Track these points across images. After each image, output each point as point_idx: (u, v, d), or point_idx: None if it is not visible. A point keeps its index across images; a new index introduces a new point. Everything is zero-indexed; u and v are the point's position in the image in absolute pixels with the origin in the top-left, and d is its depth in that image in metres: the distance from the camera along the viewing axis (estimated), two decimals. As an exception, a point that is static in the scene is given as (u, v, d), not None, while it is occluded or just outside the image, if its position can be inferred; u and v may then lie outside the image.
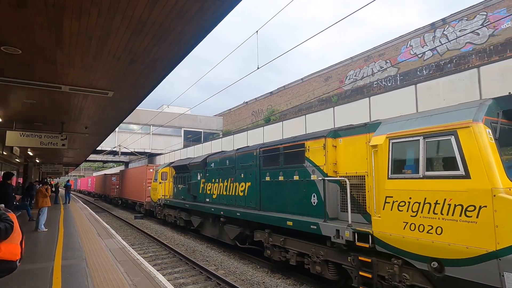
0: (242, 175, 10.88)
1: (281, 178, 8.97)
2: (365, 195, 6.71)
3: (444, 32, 18.69)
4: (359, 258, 6.17)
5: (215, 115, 46.05)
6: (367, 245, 5.89)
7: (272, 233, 8.87)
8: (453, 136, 4.84)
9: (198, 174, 14.30)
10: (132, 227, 18.59)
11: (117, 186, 33.23)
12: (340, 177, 7.28)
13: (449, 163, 4.85)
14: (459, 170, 4.69)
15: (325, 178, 7.19)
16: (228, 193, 11.74)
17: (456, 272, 4.61)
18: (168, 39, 4.96)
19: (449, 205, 4.69)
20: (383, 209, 5.61)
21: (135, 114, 33.43)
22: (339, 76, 27.57)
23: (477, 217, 4.38)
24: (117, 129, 29.78)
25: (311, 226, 7.20)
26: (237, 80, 13.28)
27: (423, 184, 5.07)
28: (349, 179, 6.91)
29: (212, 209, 12.04)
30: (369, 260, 5.97)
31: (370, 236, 5.86)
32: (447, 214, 4.70)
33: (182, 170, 16.31)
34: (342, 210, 7.24)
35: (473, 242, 4.40)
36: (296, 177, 8.39)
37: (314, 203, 7.75)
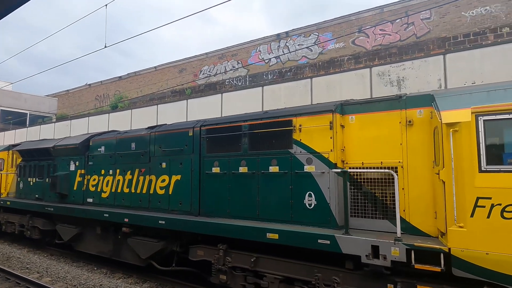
0: (164, 164, 7.49)
1: (243, 169, 6.24)
2: (393, 194, 4.85)
3: (286, 43, 21.20)
4: (418, 286, 4.25)
5: (47, 95, 37.36)
6: (438, 269, 4.03)
7: (230, 250, 6.06)
8: None
9: (72, 163, 9.69)
10: None
11: None
12: (354, 168, 5.21)
13: None
14: None
15: (348, 170, 4.98)
16: (134, 191, 8.04)
17: None
18: None
19: None
20: (472, 216, 3.85)
21: None
22: (194, 69, 27.03)
23: None
24: None
25: (320, 241, 4.87)
26: (79, 57, 9.89)
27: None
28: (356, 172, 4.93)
29: (106, 215, 8.06)
30: None
31: (441, 255, 4.02)
32: None
33: (37, 157, 11.01)
34: (354, 214, 5.20)
35: None
36: (273, 169, 5.86)
37: (309, 205, 5.44)
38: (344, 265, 4.93)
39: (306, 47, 19.90)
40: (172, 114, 16.21)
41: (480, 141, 3.92)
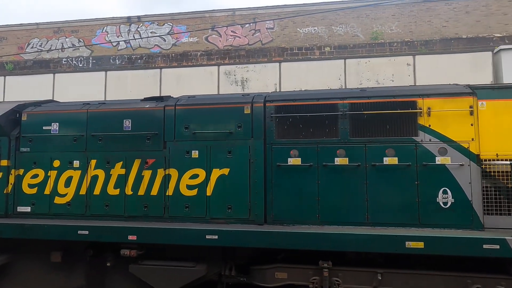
0: (196, 153, 5.18)
1: (341, 160, 4.82)
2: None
3: (138, 29, 20.07)
4: None
5: None
6: None
7: (337, 268, 4.53)
8: None
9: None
10: None
11: None
12: (486, 159, 4.63)
13: None
14: None
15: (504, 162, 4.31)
16: (131, 193, 5.30)
17: None
18: None
19: None
20: None
21: None
22: (19, 40, 22.68)
23: None
24: None
25: (486, 246, 4.08)
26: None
27: None
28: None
29: (83, 232, 5.01)
30: None
31: None
32: None
33: None
34: (486, 212, 4.63)
35: None
36: (391, 160, 4.70)
37: (445, 204, 4.55)
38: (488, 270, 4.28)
39: (159, 36, 19.44)
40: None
41: None
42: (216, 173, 5.09)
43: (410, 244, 4.23)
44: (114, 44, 20.04)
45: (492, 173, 4.65)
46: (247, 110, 5.11)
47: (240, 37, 17.37)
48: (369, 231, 4.49)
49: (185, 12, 19.27)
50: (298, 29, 16.78)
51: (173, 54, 17.10)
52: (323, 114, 4.92)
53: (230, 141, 5.10)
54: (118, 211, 5.32)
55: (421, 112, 4.70)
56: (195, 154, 5.18)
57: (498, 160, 4.60)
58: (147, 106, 5.48)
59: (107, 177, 5.39)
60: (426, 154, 4.64)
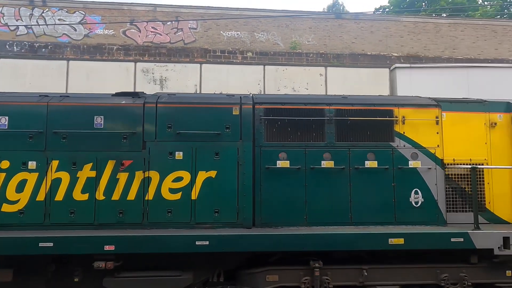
0: (180, 154, 4.89)
1: (327, 163, 5.03)
2: (481, 188, 5.37)
3: (43, 14, 17.90)
4: (540, 268, 4.84)
5: None
6: (556, 250, 4.78)
7: (327, 267, 4.69)
8: None
9: None
10: None
11: None
12: (450, 164, 5.32)
13: None
14: None
15: (477, 166, 4.97)
16: (103, 197, 4.75)
17: None
18: None
19: None
20: None
21: None
22: None
23: None
24: None
25: (453, 239, 4.67)
26: None
27: None
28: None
29: (46, 244, 4.28)
30: None
31: (557, 238, 4.80)
32: None
33: None
34: (448, 210, 5.31)
35: None
36: (371, 163, 5.08)
37: (416, 203, 5.08)
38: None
39: (69, 25, 17.50)
40: None
41: None
42: (202, 175, 4.87)
43: (393, 241, 4.62)
44: (12, 28, 17.38)
45: (451, 176, 5.34)
46: (236, 111, 5.00)
47: (161, 35, 16.67)
48: (354, 230, 4.77)
49: (101, 2, 17.81)
50: (221, 32, 16.88)
51: (85, 46, 15.93)
52: (311, 118, 5.08)
53: (218, 143, 4.93)
54: (86, 219, 4.72)
55: (397, 120, 5.18)
56: (179, 155, 4.88)
57: (455, 164, 5.31)
58: (123, 102, 4.98)
59: (73, 181, 4.74)
60: (401, 158, 5.12)
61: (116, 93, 5.30)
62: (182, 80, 11.86)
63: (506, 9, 26.03)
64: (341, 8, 33.67)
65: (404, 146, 5.16)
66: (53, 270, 4.52)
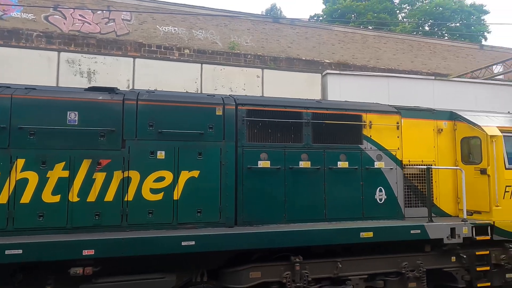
0: (162, 154, 4.78)
1: (304, 164, 5.34)
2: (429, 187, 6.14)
3: None
4: (477, 253, 5.67)
5: None
6: (487, 237, 5.68)
7: (306, 261, 4.95)
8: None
9: None
10: None
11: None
12: (408, 165, 5.99)
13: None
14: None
15: (431, 167, 5.65)
16: (78, 199, 4.44)
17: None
18: None
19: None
20: (503, 198, 5.83)
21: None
22: None
23: None
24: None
25: (412, 231, 5.29)
26: None
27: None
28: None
29: (13, 251, 3.89)
30: (487, 252, 5.73)
31: (489, 228, 5.71)
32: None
33: None
34: (406, 205, 5.98)
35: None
36: (343, 164, 5.51)
37: (380, 200, 5.63)
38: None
39: None
40: None
41: (504, 149, 5.98)
42: (185, 175, 4.82)
43: (364, 235, 5.07)
44: None
45: (407, 175, 6.01)
46: (219, 112, 5.04)
47: (90, 24, 15.48)
48: (330, 226, 5.13)
49: (17, -19, 15.81)
50: (158, 26, 16.27)
51: (-1, 31, 14.24)
52: (290, 120, 5.33)
53: (201, 142, 4.92)
54: (58, 222, 4.37)
55: (365, 124, 5.68)
56: (160, 154, 4.77)
57: (412, 165, 6.00)
58: (101, 97, 4.70)
59: (42, 181, 4.35)
60: (368, 159, 5.63)
61: (89, 87, 4.97)
62: (113, 74, 10.99)
63: (421, 26, 29.40)
64: (279, 12, 34.31)
65: (371, 148, 5.68)
66: (20, 280, 4.10)
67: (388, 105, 6.16)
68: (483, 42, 27.05)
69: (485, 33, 29.65)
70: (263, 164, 5.16)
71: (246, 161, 5.09)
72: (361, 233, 5.07)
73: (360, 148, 5.63)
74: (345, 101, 6.25)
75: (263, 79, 12.88)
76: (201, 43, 17.00)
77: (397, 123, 5.87)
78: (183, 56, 15.74)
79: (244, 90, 12.14)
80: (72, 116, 4.53)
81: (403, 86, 12.65)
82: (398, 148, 5.84)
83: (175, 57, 15.11)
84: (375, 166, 5.65)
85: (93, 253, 4.12)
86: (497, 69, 17.84)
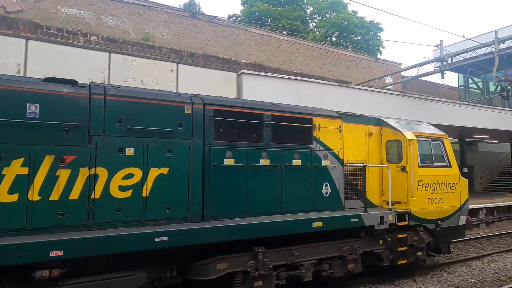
0: (131, 151, 4.73)
1: (264, 162, 5.82)
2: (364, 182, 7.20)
3: None
4: (398, 236, 6.83)
5: None
6: (406, 223, 6.91)
7: (268, 251, 5.39)
8: (441, 142, 7.89)
9: None
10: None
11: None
12: (345, 163, 6.91)
13: (440, 158, 7.83)
14: (445, 162, 7.85)
15: (366, 165, 6.58)
16: (39, 198, 4.15)
17: (444, 224, 7.65)
18: None
19: (447, 184, 7.70)
20: (417, 190, 7.16)
21: None
22: None
23: (455, 189, 7.86)
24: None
25: (352, 220, 6.19)
26: None
27: (435, 171, 7.55)
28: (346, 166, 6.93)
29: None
30: (406, 235, 6.93)
31: (407, 215, 6.96)
32: (446, 189, 7.67)
33: None
34: (345, 198, 6.89)
35: (454, 203, 7.79)
36: (296, 162, 6.14)
37: (326, 194, 6.41)
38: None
39: None
40: None
41: (418, 151, 7.33)
42: (154, 172, 4.85)
43: (315, 224, 5.76)
44: None
45: (345, 172, 6.93)
46: (188, 110, 5.17)
47: None
48: (286, 218, 5.69)
49: None
50: (59, 7, 14.91)
51: None
52: (252, 121, 5.73)
53: (170, 140, 5.00)
54: (15, 223, 4.03)
55: (315, 127, 6.39)
56: (129, 151, 4.71)
57: (351, 163, 6.93)
58: (65, 90, 4.42)
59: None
60: (317, 158, 6.35)
61: (46, 78, 4.61)
62: (-1, 56, 9.51)
63: (329, 36, 32.43)
64: (197, 8, 32.84)
65: (319, 148, 6.42)
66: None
67: (332, 110, 7.00)
68: (378, 56, 30.93)
69: (380, 48, 33.91)
70: (228, 161, 5.46)
71: (212, 159, 5.33)
72: (313, 223, 5.74)
73: (311, 148, 6.32)
74: (294, 105, 6.90)
75: (178, 74, 12.02)
76: (111, 31, 15.95)
77: (340, 126, 6.74)
78: (89, 43, 14.55)
79: (158, 84, 11.20)
80: (33, 109, 4.20)
81: (312, 90, 13.60)
82: (340, 149, 6.70)
83: (80, 43, 13.88)
84: (322, 164, 6.41)
85: (62, 254, 3.93)
86: (388, 79, 21.02)
